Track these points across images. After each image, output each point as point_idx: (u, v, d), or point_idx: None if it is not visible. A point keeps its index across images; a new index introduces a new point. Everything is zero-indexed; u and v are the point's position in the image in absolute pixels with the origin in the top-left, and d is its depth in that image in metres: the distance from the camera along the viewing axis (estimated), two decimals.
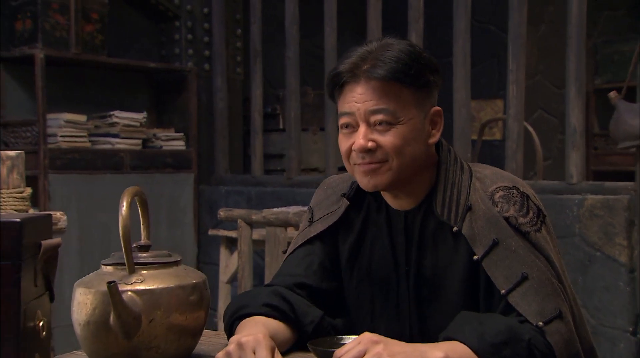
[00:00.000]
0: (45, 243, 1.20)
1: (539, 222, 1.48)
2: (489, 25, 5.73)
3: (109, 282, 1.25)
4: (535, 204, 1.50)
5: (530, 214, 1.48)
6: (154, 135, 4.60)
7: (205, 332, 1.50)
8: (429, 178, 1.55)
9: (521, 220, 1.46)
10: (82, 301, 1.33)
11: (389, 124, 1.46)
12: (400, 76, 1.45)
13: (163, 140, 4.62)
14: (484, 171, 1.55)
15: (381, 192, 1.57)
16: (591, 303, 3.37)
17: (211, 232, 4.36)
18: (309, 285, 1.59)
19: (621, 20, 6.18)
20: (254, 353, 1.30)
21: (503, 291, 1.41)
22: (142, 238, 1.45)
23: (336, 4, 4.31)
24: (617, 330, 3.31)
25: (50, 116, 4.08)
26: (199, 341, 1.45)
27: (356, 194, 1.61)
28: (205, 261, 4.78)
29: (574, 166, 3.55)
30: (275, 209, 3.23)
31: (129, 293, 1.31)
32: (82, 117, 4.23)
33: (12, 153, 2.52)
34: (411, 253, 1.55)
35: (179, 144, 4.70)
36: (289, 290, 1.55)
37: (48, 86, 4.03)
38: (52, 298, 1.27)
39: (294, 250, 1.65)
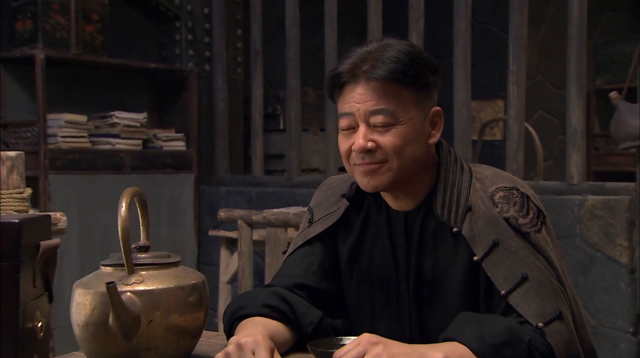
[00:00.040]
0: (44, 243, 1.19)
1: (539, 223, 1.48)
2: (489, 25, 5.73)
3: (108, 283, 1.25)
4: (535, 205, 1.50)
5: (531, 214, 1.47)
6: (155, 136, 4.60)
7: (204, 332, 1.50)
8: (429, 179, 1.54)
9: (521, 221, 1.46)
10: (81, 302, 1.32)
11: (388, 125, 1.45)
12: (400, 77, 1.45)
13: (163, 141, 4.62)
14: (484, 171, 1.55)
15: (381, 193, 1.56)
16: (592, 304, 3.36)
17: (211, 233, 4.36)
18: (309, 285, 1.58)
19: (622, 20, 6.18)
20: (253, 354, 1.30)
21: (503, 292, 1.41)
22: (141, 239, 1.45)
23: (337, 4, 4.31)
24: (617, 331, 3.31)
25: (50, 116, 4.08)
26: (199, 342, 1.45)
27: (356, 195, 1.61)
28: (206, 261, 4.78)
29: (574, 167, 3.55)
30: (275, 210, 3.23)
31: (128, 293, 1.31)
32: (82, 118, 4.23)
33: (12, 153, 2.52)
34: (411, 253, 1.54)
35: (180, 145, 4.70)
36: (288, 290, 1.55)
37: (48, 87, 4.03)
38: (51, 299, 1.27)
39: (294, 251, 1.64)
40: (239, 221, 3.09)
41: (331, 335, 1.52)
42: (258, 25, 4.65)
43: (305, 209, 1.73)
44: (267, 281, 1.99)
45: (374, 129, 1.46)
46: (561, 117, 5.32)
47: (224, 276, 4.14)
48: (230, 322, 1.51)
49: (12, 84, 4.17)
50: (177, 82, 4.81)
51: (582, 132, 3.57)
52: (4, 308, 1.11)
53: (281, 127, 5.03)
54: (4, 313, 1.11)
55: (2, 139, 4.14)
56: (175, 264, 1.41)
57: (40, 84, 3.97)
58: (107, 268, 1.38)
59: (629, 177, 3.58)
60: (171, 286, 1.35)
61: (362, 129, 1.47)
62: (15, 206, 2.50)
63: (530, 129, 4.20)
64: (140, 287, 1.33)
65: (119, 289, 1.28)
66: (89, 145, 4.25)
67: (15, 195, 2.52)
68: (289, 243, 2.01)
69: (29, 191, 2.55)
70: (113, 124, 4.33)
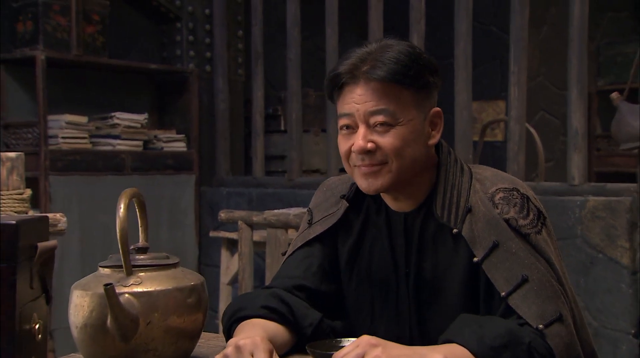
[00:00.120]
0: (42, 245, 1.19)
1: (540, 224, 1.47)
2: (490, 26, 5.72)
3: (106, 284, 1.24)
4: (535, 206, 1.49)
5: (531, 216, 1.47)
6: (155, 136, 4.60)
7: (203, 334, 1.49)
8: (429, 180, 1.54)
9: (521, 222, 1.45)
10: (79, 304, 1.32)
11: (388, 126, 1.45)
12: (400, 77, 1.44)
13: (164, 142, 4.61)
14: (484, 172, 1.54)
15: (381, 194, 1.56)
16: (593, 305, 3.36)
17: (212, 234, 4.35)
18: (308, 287, 1.58)
19: (624, 22, 6.18)
20: (252, 356, 1.29)
21: (503, 293, 1.40)
22: (140, 240, 1.44)
23: (337, 5, 4.31)
24: (619, 332, 3.30)
25: (51, 117, 4.08)
26: (197, 344, 1.44)
27: (355, 196, 1.60)
28: (207, 262, 4.77)
29: (575, 168, 3.54)
30: (276, 211, 3.23)
31: (126, 295, 1.31)
32: (83, 119, 4.22)
33: (11, 154, 2.52)
34: (411, 255, 1.54)
35: (180, 146, 4.69)
36: (287, 292, 1.55)
37: (49, 88, 4.03)
38: (48, 301, 1.26)
39: (293, 252, 1.64)
40: (240, 222, 3.09)
41: (330, 337, 1.52)
42: (259, 27, 4.65)
43: (306, 210, 1.73)
44: (268, 282, 1.99)
45: (373, 130, 1.46)
46: (562, 118, 5.31)
47: (225, 277, 4.14)
48: (229, 323, 1.50)
49: (13, 85, 4.17)
50: (177, 83, 4.80)
51: (583, 133, 3.57)
52: (1, 310, 1.10)
53: (282, 128, 5.02)
54: (1, 315, 1.10)
55: (3, 140, 4.14)
56: (173, 265, 1.41)
57: (40, 85, 3.97)
58: (106, 269, 1.37)
59: (631, 178, 3.57)
60: (169, 287, 1.35)
61: (361, 130, 1.46)
62: (15, 207, 2.50)
63: (532, 130, 4.19)
64: (139, 289, 1.32)
65: (117, 291, 1.28)
66: (89, 146, 4.24)
67: (15, 196, 2.52)
68: (289, 244, 2.01)
69: (28, 192, 2.55)
70: (114, 125, 4.33)
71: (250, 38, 4.74)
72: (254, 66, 4.69)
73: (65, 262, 4.01)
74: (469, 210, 1.47)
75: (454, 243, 1.49)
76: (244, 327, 1.45)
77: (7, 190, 2.50)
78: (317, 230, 1.62)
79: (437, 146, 1.56)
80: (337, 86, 1.50)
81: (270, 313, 1.48)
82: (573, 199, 3.43)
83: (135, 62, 4.67)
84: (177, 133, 4.72)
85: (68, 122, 4.13)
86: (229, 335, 1.49)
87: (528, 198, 1.49)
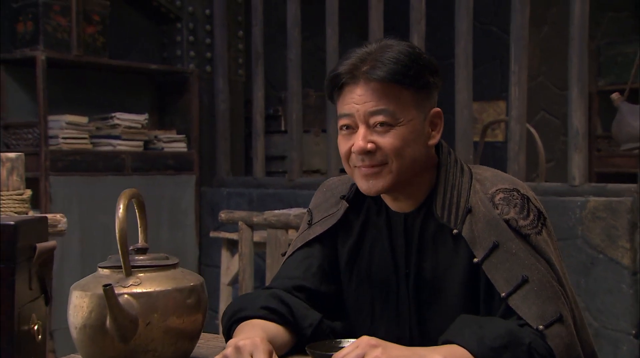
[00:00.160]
0: (41, 245, 1.18)
1: (540, 224, 1.47)
2: (491, 26, 5.72)
3: (105, 285, 1.24)
4: (535, 207, 1.49)
5: (531, 216, 1.47)
6: (156, 137, 4.60)
7: (203, 335, 1.49)
8: (429, 180, 1.53)
9: (522, 223, 1.45)
10: (79, 305, 1.31)
11: (388, 126, 1.45)
12: (400, 77, 1.44)
13: (164, 142, 4.61)
14: (484, 173, 1.54)
15: (381, 194, 1.55)
16: (594, 306, 3.35)
17: (212, 234, 4.35)
18: (308, 287, 1.58)
19: (624, 21, 6.17)
20: (252, 356, 1.29)
21: (503, 294, 1.40)
22: (139, 241, 1.44)
23: (338, 5, 4.31)
24: (619, 333, 3.30)
25: (51, 117, 4.07)
26: (197, 344, 1.44)
27: (355, 197, 1.60)
28: (207, 263, 4.77)
29: (576, 168, 3.54)
30: (276, 211, 3.23)
31: (126, 296, 1.30)
32: (83, 119, 4.22)
33: (11, 154, 2.52)
34: (411, 255, 1.54)
35: (181, 146, 4.69)
36: (287, 293, 1.54)
37: (49, 88, 4.03)
38: (47, 301, 1.26)
39: (293, 253, 1.64)
40: (240, 223, 3.09)
41: (330, 338, 1.52)
42: (259, 27, 4.65)
43: (306, 211, 1.73)
44: (268, 282, 1.99)
45: (373, 131, 1.45)
46: (563, 118, 5.31)
47: (225, 277, 4.14)
48: (229, 324, 1.50)
49: (13, 86, 4.17)
50: (178, 83, 4.80)
51: (584, 133, 3.56)
52: (0, 311, 1.10)
53: (282, 128, 5.02)
54: (0, 316, 1.10)
55: (3, 141, 4.14)
56: (173, 266, 1.40)
57: (41, 86, 3.97)
58: (105, 270, 1.37)
59: (631, 178, 3.56)
60: (169, 288, 1.34)
61: (361, 130, 1.46)
62: (15, 207, 2.50)
63: (532, 130, 4.19)
64: (138, 289, 1.32)
65: (116, 291, 1.27)
66: (90, 146, 4.24)
67: (15, 197, 2.51)
68: (289, 245, 2.01)
69: (28, 192, 2.55)
70: (114, 126, 4.33)
71: (250, 38, 4.74)
72: (255, 67, 4.68)
73: (66, 263, 4.01)
74: (469, 211, 1.47)
75: (454, 243, 1.49)
76: (243, 327, 1.45)
77: (7, 191, 2.49)
78: (317, 230, 1.62)
79: (437, 146, 1.56)
80: (337, 86, 1.50)
81: (270, 314, 1.48)
82: (574, 199, 3.42)
83: (135, 62, 4.67)
84: (178, 134, 4.72)
85: (68, 123, 4.13)
86: (228, 335, 1.49)
87: (528, 199, 1.49)
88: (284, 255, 1.69)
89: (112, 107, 4.44)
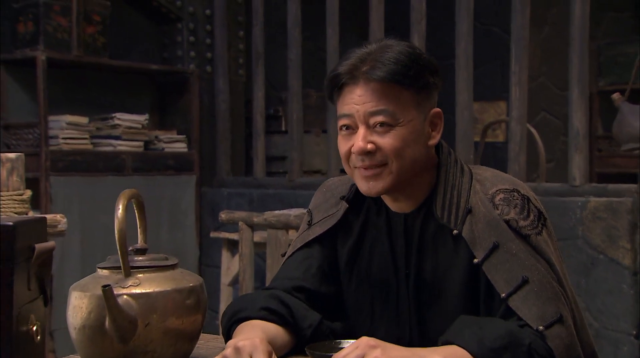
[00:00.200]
0: (40, 246, 1.18)
1: (540, 225, 1.46)
2: (491, 27, 5.72)
3: (104, 286, 1.24)
4: (536, 207, 1.48)
5: (531, 217, 1.46)
6: (156, 137, 4.59)
7: (202, 335, 1.49)
8: (429, 181, 1.53)
9: (522, 223, 1.45)
10: (78, 305, 1.31)
11: (388, 126, 1.44)
12: (400, 78, 1.44)
13: (165, 142, 4.61)
14: (485, 173, 1.54)
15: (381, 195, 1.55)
16: (594, 306, 3.35)
17: (213, 234, 4.35)
18: (308, 288, 1.57)
19: (625, 22, 6.16)
20: (251, 357, 1.29)
21: (503, 295, 1.40)
22: (139, 241, 1.44)
23: (338, 5, 4.30)
24: (620, 333, 3.29)
25: (51, 118, 4.07)
26: (196, 345, 1.44)
27: (355, 197, 1.60)
28: (207, 263, 4.77)
29: (577, 169, 3.53)
30: (276, 212, 3.22)
31: (125, 297, 1.30)
32: (83, 120, 4.22)
33: (11, 155, 2.52)
34: (411, 256, 1.53)
35: (181, 147, 4.69)
36: (287, 293, 1.54)
37: (50, 88, 4.03)
38: (46, 302, 1.26)
39: (293, 253, 1.63)
40: (240, 223, 3.09)
41: (330, 338, 1.51)
42: (260, 27, 4.65)
43: (306, 211, 1.72)
44: (269, 283, 1.99)
45: (373, 131, 1.45)
46: (564, 118, 5.30)
47: (225, 278, 4.13)
48: (229, 324, 1.50)
49: (14, 86, 4.17)
50: (178, 83, 4.80)
51: (584, 134, 3.56)
52: None
53: (283, 128, 5.02)
54: None
55: (3, 141, 4.13)
56: (172, 267, 1.40)
57: (41, 86, 3.97)
58: (104, 270, 1.37)
59: (632, 179, 3.56)
60: (168, 289, 1.34)
61: (361, 130, 1.45)
62: (15, 208, 2.50)
63: (533, 130, 4.18)
64: (137, 290, 1.32)
65: (115, 292, 1.27)
66: (90, 147, 4.24)
67: (15, 197, 2.51)
68: (289, 245, 2.01)
69: (28, 193, 2.55)
70: (114, 126, 4.32)
71: (251, 38, 4.73)
72: (255, 67, 4.68)
73: (66, 263, 4.00)
74: (469, 211, 1.47)
75: (454, 244, 1.48)
76: (243, 328, 1.45)
77: (7, 191, 2.49)
78: (317, 231, 1.62)
79: (437, 146, 1.56)
80: (337, 87, 1.49)
81: (269, 315, 1.47)
82: (574, 200, 3.42)
83: (136, 62, 4.67)
84: (178, 134, 4.72)
85: (69, 123, 4.12)
86: (228, 336, 1.49)
87: (528, 199, 1.48)
88: (283, 255, 1.69)
89: (112, 108, 4.44)
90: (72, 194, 4.10)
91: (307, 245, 1.62)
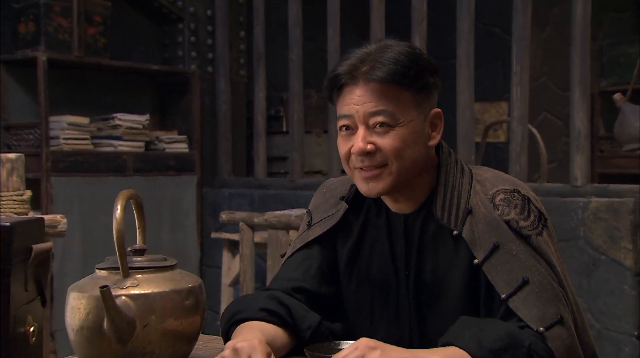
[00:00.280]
0: (37, 247, 1.18)
1: (540, 226, 1.46)
2: (493, 27, 5.71)
3: (102, 287, 1.23)
4: (536, 208, 1.48)
5: (532, 217, 1.45)
6: (157, 138, 4.59)
7: (201, 336, 1.48)
8: (429, 181, 1.53)
9: (522, 224, 1.44)
10: (76, 306, 1.31)
11: (388, 127, 1.44)
12: (399, 78, 1.43)
13: (166, 143, 4.61)
14: (485, 173, 1.53)
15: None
16: (596, 307, 3.34)
17: (214, 235, 4.35)
18: (307, 289, 1.57)
19: (627, 22, 6.15)
20: None
21: (503, 295, 1.39)
22: (137, 242, 1.43)
23: (339, 6, 4.30)
24: (622, 334, 3.28)
25: (52, 118, 4.07)
26: (195, 346, 1.43)
27: (355, 198, 1.59)
28: (209, 264, 4.76)
29: (578, 169, 3.53)
30: (277, 212, 3.22)
31: (123, 297, 1.29)
32: (84, 120, 4.22)
33: (11, 155, 2.51)
34: (411, 256, 1.53)
35: (182, 147, 4.69)
36: (286, 294, 1.54)
37: (50, 89, 4.03)
38: (44, 303, 1.25)
39: (292, 254, 1.63)
40: (241, 224, 3.09)
41: (329, 339, 1.51)
42: (261, 27, 4.64)
43: (305, 211, 1.72)
44: (269, 284, 1.98)
45: (373, 132, 1.45)
46: (565, 119, 5.29)
47: (226, 278, 4.13)
48: (228, 326, 1.49)
49: (15, 86, 4.17)
50: (179, 84, 4.80)
51: (586, 134, 3.55)
52: None
53: (284, 129, 5.01)
54: None
55: (4, 142, 4.13)
56: (171, 267, 1.39)
57: (42, 86, 3.97)
58: (102, 271, 1.36)
59: (633, 179, 3.55)
60: (167, 290, 1.33)
61: (361, 131, 1.45)
62: (15, 208, 2.49)
63: (534, 131, 4.17)
64: (135, 291, 1.31)
65: (113, 293, 1.27)
66: (91, 147, 4.24)
67: (15, 197, 2.51)
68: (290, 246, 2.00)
69: (28, 193, 2.54)
70: (115, 126, 4.32)
71: (252, 39, 4.73)
72: (256, 67, 4.68)
73: (67, 263, 4.00)
74: (469, 212, 1.46)
75: (454, 244, 1.48)
76: (242, 329, 1.44)
77: (7, 191, 2.49)
78: (316, 231, 1.61)
79: (438, 147, 1.55)
80: (337, 87, 1.49)
81: (268, 316, 1.47)
82: (576, 200, 3.41)
83: (137, 63, 4.67)
84: (179, 134, 4.72)
85: (69, 124, 4.12)
86: (227, 337, 1.48)
87: (529, 200, 1.48)
88: (283, 255, 1.68)
89: (113, 108, 4.43)
90: (73, 194, 4.10)
91: (307, 245, 1.61)
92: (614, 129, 5.14)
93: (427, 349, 1.34)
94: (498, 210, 1.45)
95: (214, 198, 4.76)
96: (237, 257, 3.84)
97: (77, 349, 1.33)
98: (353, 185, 1.58)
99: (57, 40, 4.12)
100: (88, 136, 4.22)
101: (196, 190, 4.73)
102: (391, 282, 1.55)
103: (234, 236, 4.00)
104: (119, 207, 1.31)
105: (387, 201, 1.55)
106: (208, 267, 4.75)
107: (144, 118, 4.44)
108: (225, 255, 4.17)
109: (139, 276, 1.34)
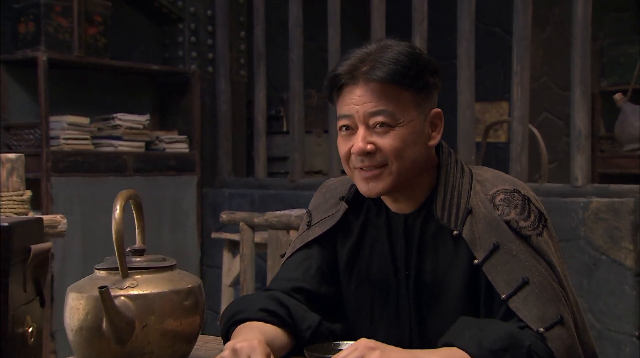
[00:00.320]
0: (36, 247, 1.17)
1: (540, 226, 1.45)
2: (493, 27, 5.71)
3: (101, 287, 1.23)
4: (536, 208, 1.47)
5: (532, 217, 1.45)
6: (157, 138, 4.59)
7: (201, 337, 1.48)
8: (429, 181, 1.52)
9: (522, 224, 1.44)
10: (75, 307, 1.30)
11: (388, 127, 1.43)
12: (399, 78, 1.43)
13: (166, 143, 4.61)
14: (485, 174, 1.53)
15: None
16: (596, 307, 3.34)
17: (214, 235, 4.34)
18: (307, 289, 1.56)
19: (627, 22, 6.15)
20: None
21: (504, 296, 1.39)
22: (137, 242, 1.43)
23: (340, 6, 4.30)
24: (622, 335, 3.28)
25: (53, 118, 4.07)
26: (195, 346, 1.43)
27: (355, 198, 1.59)
28: (209, 264, 4.76)
29: (579, 169, 3.52)
30: (277, 212, 3.22)
31: (122, 298, 1.29)
32: (85, 120, 4.22)
33: (11, 155, 2.51)
34: (411, 256, 1.52)
35: (182, 147, 4.68)
36: (286, 294, 1.53)
37: (51, 89, 4.02)
38: (42, 303, 1.25)
39: (292, 254, 1.63)
40: (241, 224, 3.09)
41: (329, 340, 1.50)
42: (261, 27, 4.64)
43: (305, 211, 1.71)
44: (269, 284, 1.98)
45: (373, 132, 1.44)
46: (566, 119, 5.29)
47: (227, 278, 4.13)
48: (227, 326, 1.49)
49: (15, 86, 4.17)
50: (180, 84, 4.80)
51: (586, 134, 3.55)
52: None
53: (284, 129, 5.01)
54: None
55: (4, 142, 4.13)
56: (170, 268, 1.39)
57: (42, 86, 3.96)
58: (101, 272, 1.36)
59: (634, 179, 3.55)
60: (166, 290, 1.33)
61: (361, 131, 1.45)
62: (15, 208, 2.49)
63: (535, 131, 4.17)
64: (135, 291, 1.31)
65: (113, 293, 1.26)
66: (91, 147, 4.24)
67: (15, 198, 2.51)
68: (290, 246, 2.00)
69: (28, 193, 2.54)
70: (116, 126, 4.32)
71: (252, 39, 4.73)
72: (256, 67, 4.68)
73: (67, 263, 4.00)
74: (469, 212, 1.46)
75: (454, 244, 1.47)
76: (241, 329, 1.44)
77: (7, 192, 2.49)
78: (316, 231, 1.61)
79: (438, 147, 1.55)
80: (337, 87, 1.49)
81: (268, 316, 1.46)
82: (576, 200, 3.41)
83: (137, 63, 4.67)
84: (179, 134, 4.71)
85: (70, 124, 4.12)
86: (226, 337, 1.48)
87: (529, 200, 1.47)
88: (283, 256, 1.68)
89: (113, 108, 4.43)
90: (73, 194, 4.10)
91: (307, 245, 1.61)
92: (615, 129, 5.13)
93: (427, 350, 1.33)
94: (498, 210, 1.45)
95: (214, 198, 4.76)
96: (238, 257, 3.83)
97: (76, 350, 1.33)
98: (353, 185, 1.57)
99: (58, 40, 4.12)
100: (88, 136, 4.22)
101: (196, 190, 4.72)
102: (391, 282, 1.55)
103: (234, 237, 4.00)
104: (118, 207, 1.31)
105: (387, 201, 1.55)
106: (208, 267, 4.74)
107: (144, 118, 4.44)
108: (226, 255, 4.16)
109: (138, 276, 1.34)
